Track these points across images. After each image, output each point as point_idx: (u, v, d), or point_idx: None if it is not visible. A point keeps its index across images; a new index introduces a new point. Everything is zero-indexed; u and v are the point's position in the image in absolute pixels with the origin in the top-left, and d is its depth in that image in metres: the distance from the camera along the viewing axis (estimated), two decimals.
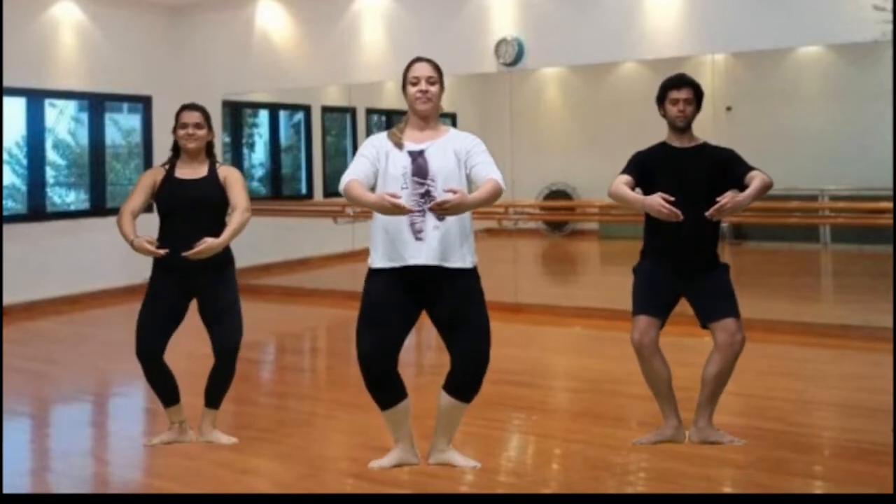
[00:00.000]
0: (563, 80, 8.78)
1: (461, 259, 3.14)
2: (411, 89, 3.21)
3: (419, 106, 3.20)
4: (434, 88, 3.20)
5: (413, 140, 3.20)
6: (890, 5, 4.53)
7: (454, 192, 2.85)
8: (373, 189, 3.16)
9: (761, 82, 7.47)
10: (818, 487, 3.34)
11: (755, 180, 3.39)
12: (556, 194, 8.63)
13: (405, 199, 2.97)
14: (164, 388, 3.74)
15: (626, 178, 3.49)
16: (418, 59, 3.26)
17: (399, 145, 3.19)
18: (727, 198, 3.30)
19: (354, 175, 3.09)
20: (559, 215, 8.74)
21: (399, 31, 7.83)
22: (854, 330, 5.82)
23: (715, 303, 3.51)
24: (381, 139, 3.23)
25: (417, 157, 3.15)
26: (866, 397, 4.40)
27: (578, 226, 9.06)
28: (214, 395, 3.79)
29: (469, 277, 3.17)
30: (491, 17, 7.42)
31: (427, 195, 3.08)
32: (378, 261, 3.18)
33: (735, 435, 3.64)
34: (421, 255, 3.10)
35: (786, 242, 7.69)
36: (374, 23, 8.02)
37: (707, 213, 3.30)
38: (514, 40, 7.24)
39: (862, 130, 7.10)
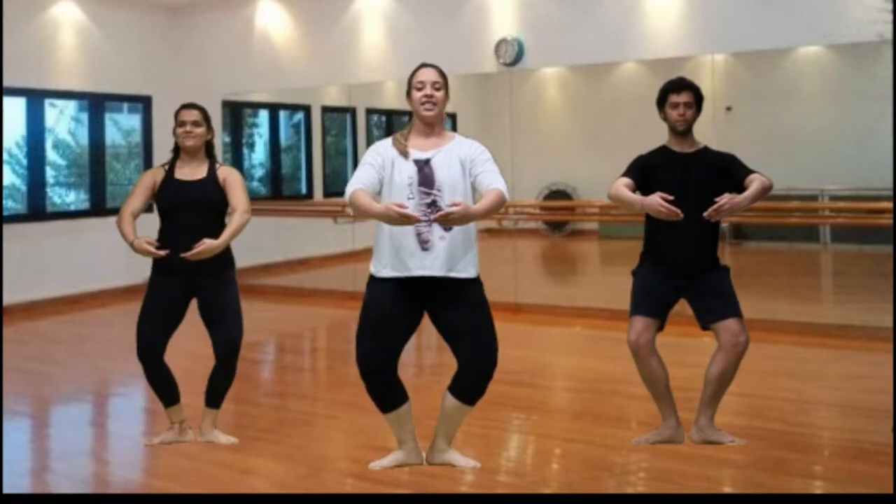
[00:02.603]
0: (563, 80, 8.78)
1: (465, 269, 3.14)
2: (416, 94, 3.18)
3: (424, 112, 3.18)
4: (439, 94, 3.18)
5: (418, 147, 3.18)
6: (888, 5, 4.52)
7: (457, 204, 2.84)
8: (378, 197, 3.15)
9: (761, 82, 7.47)
10: (818, 487, 3.34)
11: (754, 183, 3.40)
12: (556, 194, 8.63)
13: (411, 209, 2.94)
14: (165, 387, 3.75)
15: (627, 180, 3.51)
16: (424, 65, 3.24)
17: (405, 154, 3.16)
18: (725, 199, 3.30)
19: (359, 184, 3.06)
20: (559, 215, 8.74)
21: (399, 31, 7.83)
22: (854, 330, 5.81)
23: (716, 303, 3.51)
24: (385, 146, 3.20)
25: (423, 166, 3.13)
26: (866, 397, 4.40)
27: (578, 226, 9.06)
28: (215, 395, 3.80)
29: (474, 286, 3.19)
30: (491, 17, 7.42)
31: (433, 205, 3.06)
32: (382, 269, 3.17)
33: (735, 435, 3.63)
34: (427, 266, 3.10)
35: (786, 242, 7.70)
36: (374, 23, 8.02)
37: (705, 214, 3.31)
38: (514, 40, 7.24)
39: (862, 130, 7.10)
